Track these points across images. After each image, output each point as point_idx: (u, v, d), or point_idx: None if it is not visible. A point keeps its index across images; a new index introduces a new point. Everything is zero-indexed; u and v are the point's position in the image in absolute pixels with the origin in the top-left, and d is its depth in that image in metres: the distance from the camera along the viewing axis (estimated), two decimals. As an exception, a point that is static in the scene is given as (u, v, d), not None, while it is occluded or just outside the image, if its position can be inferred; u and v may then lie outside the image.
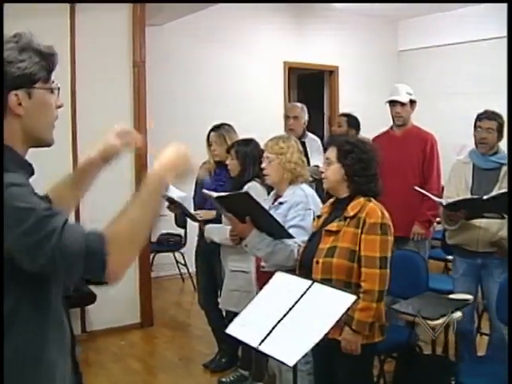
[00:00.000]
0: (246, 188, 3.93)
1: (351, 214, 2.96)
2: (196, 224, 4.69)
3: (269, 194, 3.88)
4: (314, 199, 3.53)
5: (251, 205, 3.24)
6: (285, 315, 2.39)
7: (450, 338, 3.92)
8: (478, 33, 8.28)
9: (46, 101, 1.62)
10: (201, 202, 4.51)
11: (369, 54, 9.37)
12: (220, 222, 4.15)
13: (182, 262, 7.33)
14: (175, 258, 7.45)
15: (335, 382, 3.04)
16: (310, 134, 5.71)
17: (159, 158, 1.66)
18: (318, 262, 2.95)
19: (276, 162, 3.53)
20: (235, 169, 4.20)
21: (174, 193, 4.50)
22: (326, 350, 2.89)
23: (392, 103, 4.92)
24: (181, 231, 7.13)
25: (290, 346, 2.26)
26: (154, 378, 4.80)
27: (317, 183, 4.44)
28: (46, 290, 1.58)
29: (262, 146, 4.10)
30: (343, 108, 8.50)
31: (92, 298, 5.11)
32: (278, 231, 3.28)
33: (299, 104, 5.81)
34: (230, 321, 2.64)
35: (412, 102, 4.91)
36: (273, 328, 2.35)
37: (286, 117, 5.69)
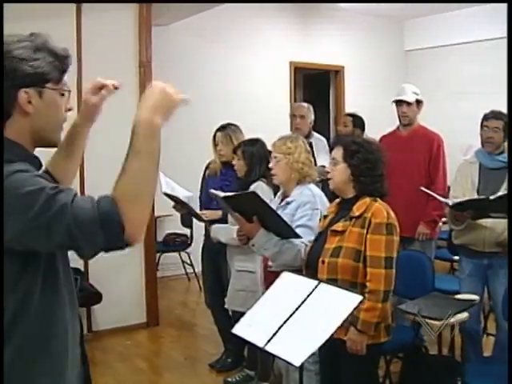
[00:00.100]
0: (251, 188, 3.93)
1: (357, 213, 2.96)
2: (202, 224, 4.70)
3: (275, 194, 3.88)
4: (322, 199, 3.53)
5: (258, 204, 3.24)
6: (291, 315, 2.38)
7: (456, 339, 3.91)
8: (484, 33, 8.27)
9: (56, 102, 1.63)
10: (207, 201, 4.52)
11: (375, 53, 9.36)
12: (226, 222, 4.16)
13: (188, 261, 7.34)
14: (181, 257, 7.46)
15: (341, 381, 3.04)
16: (316, 134, 5.71)
17: (142, 102, 1.58)
18: (323, 262, 2.95)
19: (283, 162, 3.53)
20: (242, 169, 4.20)
21: (180, 193, 4.51)
22: (331, 350, 2.88)
23: (398, 103, 4.92)
24: (187, 231, 7.15)
25: (296, 346, 2.26)
26: (160, 378, 4.81)
27: (323, 183, 4.44)
28: (55, 281, 1.59)
29: (268, 145, 4.11)
30: (349, 108, 8.49)
31: (98, 298, 5.13)
32: (285, 231, 3.28)
33: (306, 104, 5.81)
34: (237, 321, 2.63)
35: (418, 102, 4.91)
36: (279, 328, 2.35)
37: (293, 116, 5.68)
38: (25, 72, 1.53)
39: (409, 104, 4.86)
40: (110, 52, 5.36)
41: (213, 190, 3.69)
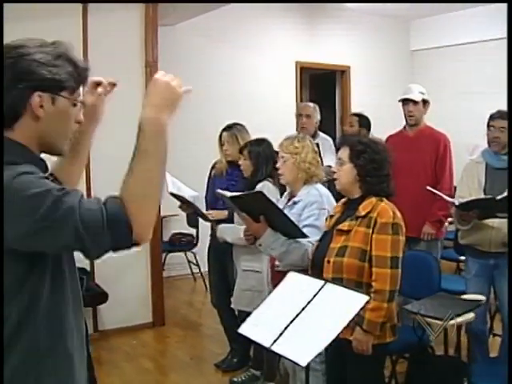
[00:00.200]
0: (258, 188, 3.93)
1: (363, 213, 2.96)
2: (208, 224, 4.70)
3: (281, 194, 3.88)
4: (329, 199, 3.53)
5: (265, 204, 3.25)
6: (297, 315, 2.39)
7: (463, 339, 3.90)
8: (490, 32, 8.24)
9: (67, 111, 1.62)
10: (213, 201, 4.52)
11: (381, 53, 9.35)
12: (232, 222, 4.16)
13: (194, 261, 7.35)
14: (187, 257, 7.47)
15: (347, 381, 3.04)
16: (322, 134, 5.71)
17: (147, 99, 1.57)
18: (329, 262, 2.95)
19: (291, 162, 3.53)
20: (248, 169, 4.20)
21: (186, 192, 4.52)
22: (337, 350, 2.89)
23: (405, 102, 4.92)
24: (193, 231, 7.16)
25: (302, 346, 2.26)
26: (166, 378, 4.82)
27: (329, 183, 4.43)
28: (61, 282, 1.59)
29: (274, 145, 4.11)
30: (355, 108, 8.48)
31: (104, 298, 5.14)
32: (292, 231, 3.28)
33: (312, 103, 5.81)
34: (243, 320, 2.64)
35: (425, 102, 4.90)
36: (285, 328, 2.35)
37: (299, 115, 5.67)
38: (42, 76, 1.53)
39: (415, 103, 4.86)
40: (116, 52, 5.36)
41: (220, 190, 3.69)
